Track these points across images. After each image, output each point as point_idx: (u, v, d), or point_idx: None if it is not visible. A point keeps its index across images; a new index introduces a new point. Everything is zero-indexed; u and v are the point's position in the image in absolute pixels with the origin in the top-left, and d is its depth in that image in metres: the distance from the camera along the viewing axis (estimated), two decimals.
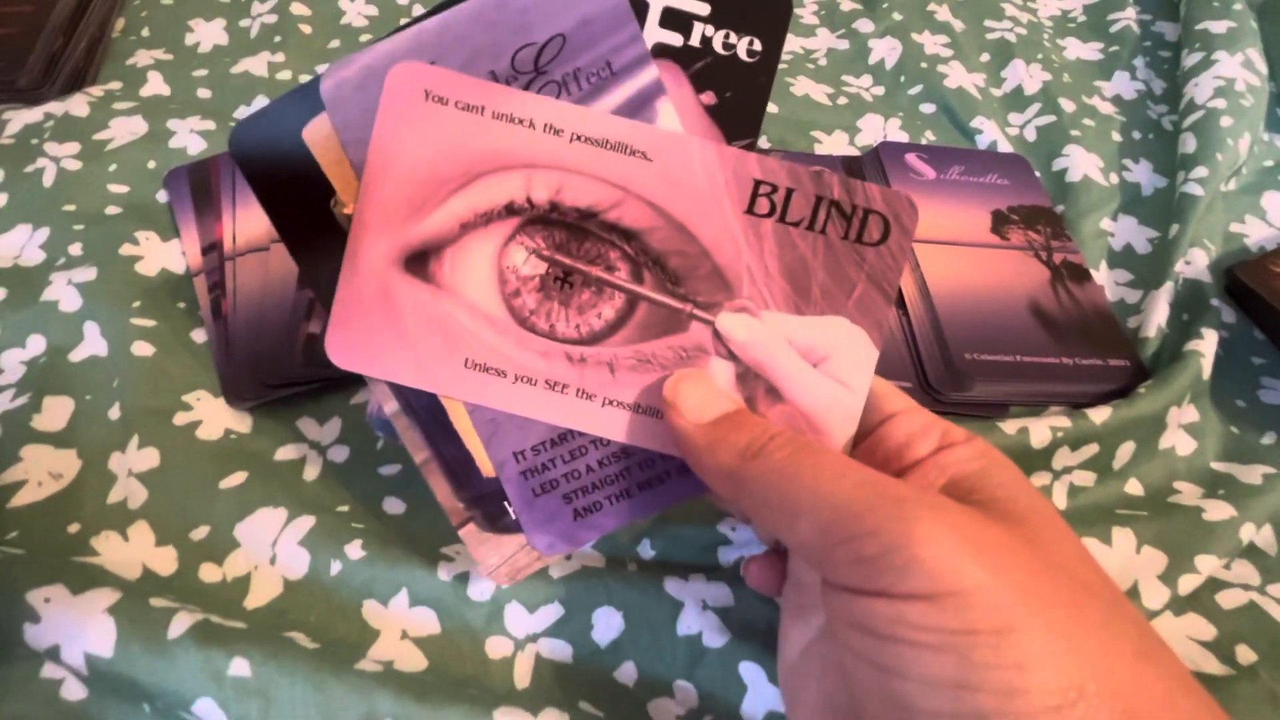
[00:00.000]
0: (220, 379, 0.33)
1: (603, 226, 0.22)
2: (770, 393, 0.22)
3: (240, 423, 0.32)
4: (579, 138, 0.22)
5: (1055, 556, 0.17)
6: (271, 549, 0.28)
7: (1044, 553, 0.17)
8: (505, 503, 0.24)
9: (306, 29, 0.49)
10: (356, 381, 0.34)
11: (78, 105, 0.42)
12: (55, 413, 0.31)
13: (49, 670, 0.24)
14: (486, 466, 0.23)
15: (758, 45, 0.23)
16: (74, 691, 0.24)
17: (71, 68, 0.44)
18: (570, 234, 0.22)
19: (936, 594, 0.16)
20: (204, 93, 0.45)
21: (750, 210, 0.22)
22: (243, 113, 0.44)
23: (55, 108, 0.42)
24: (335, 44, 0.49)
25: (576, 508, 0.23)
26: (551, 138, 0.22)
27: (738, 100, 0.23)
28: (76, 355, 0.32)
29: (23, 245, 0.36)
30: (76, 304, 0.33)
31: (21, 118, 0.41)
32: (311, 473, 0.31)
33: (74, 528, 0.28)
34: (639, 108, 0.23)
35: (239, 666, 0.24)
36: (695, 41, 0.23)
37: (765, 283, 0.22)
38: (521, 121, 0.22)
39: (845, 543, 0.17)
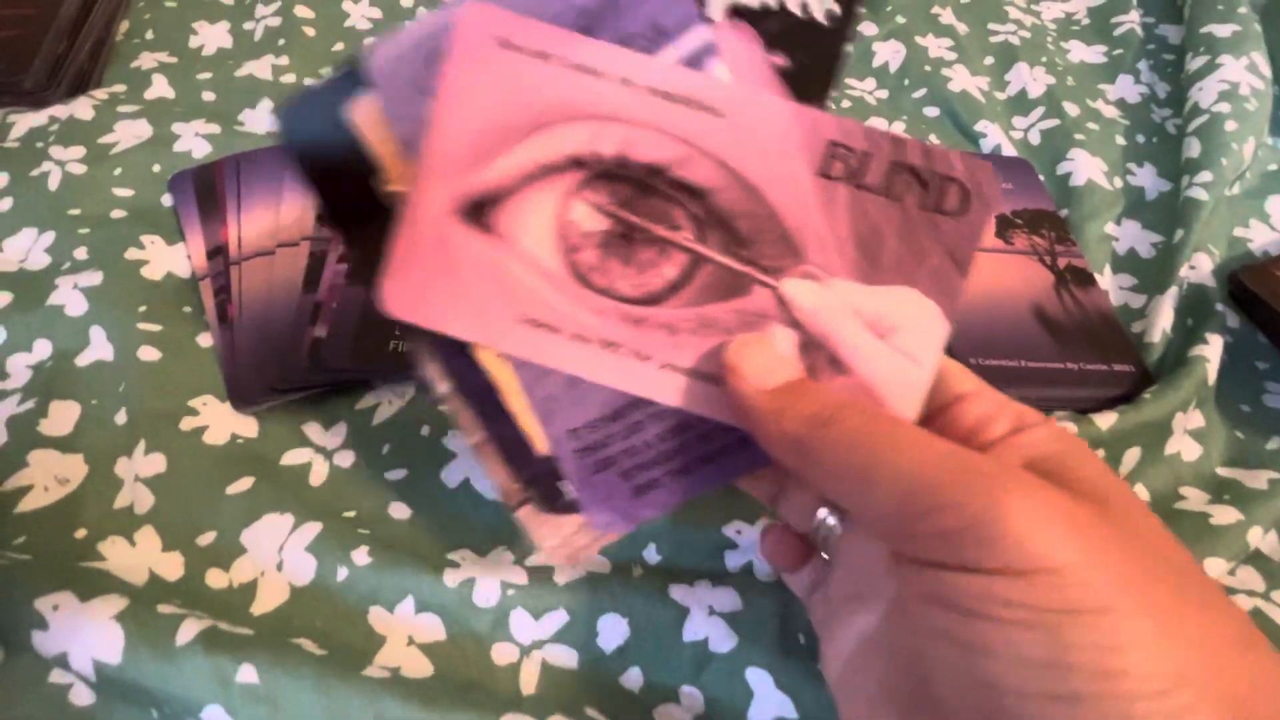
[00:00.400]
0: (226, 383, 0.33)
1: (669, 184, 0.21)
2: (833, 364, 0.22)
3: (246, 427, 0.32)
4: (650, 91, 0.21)
5: (1147, 540, 0.17)
6: (278, 555, 0.28)
7: (1135, 536, 0.17)
8: (562, 482, 0.23)
9: (310, 32, 0.49)
10: (362, 385, 0.34)
11: (82, 108, 0.42)
12: (61, 417, 0.31)
13: (57, 676, 0.24)
14: (542, 445, 0.23)
15: (835, 8, 0.22)
16: (82, 697, 0.24)
17: (76, 70, 0.44)
18: (635, 190, 0.22)
19: (1029, 570, 0.15)
20: (208, 96, 0.45)
21: (823, 173, 0.21)
22: (247, 116, 0.44)
23: (60, 111, 0.42)
24: (339, 47, 0.49)
25: (635, 484, 0.23)
26: (622, 89, 0.21)
27: (810, 64, 0.22)
28: (83, 360, 0.32)
29: (28, 249, 0.36)
30: (82, 308, 0.33)
31: (26, 121, 0.41)
32: (318, 478, 0.31)
33: (81, 533, 0.28)
34: (691, 69, 0.22)
35: (246, 673, 0.24)
36: (771, 3, 0.22)
37: (834, 249, 0.21)
38: (593, 72, 0.21)
39: (927, 514, 0.16)
